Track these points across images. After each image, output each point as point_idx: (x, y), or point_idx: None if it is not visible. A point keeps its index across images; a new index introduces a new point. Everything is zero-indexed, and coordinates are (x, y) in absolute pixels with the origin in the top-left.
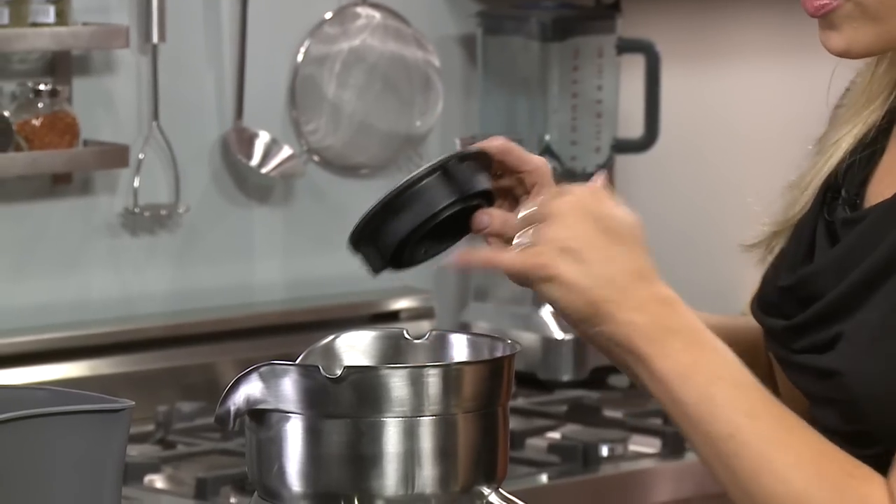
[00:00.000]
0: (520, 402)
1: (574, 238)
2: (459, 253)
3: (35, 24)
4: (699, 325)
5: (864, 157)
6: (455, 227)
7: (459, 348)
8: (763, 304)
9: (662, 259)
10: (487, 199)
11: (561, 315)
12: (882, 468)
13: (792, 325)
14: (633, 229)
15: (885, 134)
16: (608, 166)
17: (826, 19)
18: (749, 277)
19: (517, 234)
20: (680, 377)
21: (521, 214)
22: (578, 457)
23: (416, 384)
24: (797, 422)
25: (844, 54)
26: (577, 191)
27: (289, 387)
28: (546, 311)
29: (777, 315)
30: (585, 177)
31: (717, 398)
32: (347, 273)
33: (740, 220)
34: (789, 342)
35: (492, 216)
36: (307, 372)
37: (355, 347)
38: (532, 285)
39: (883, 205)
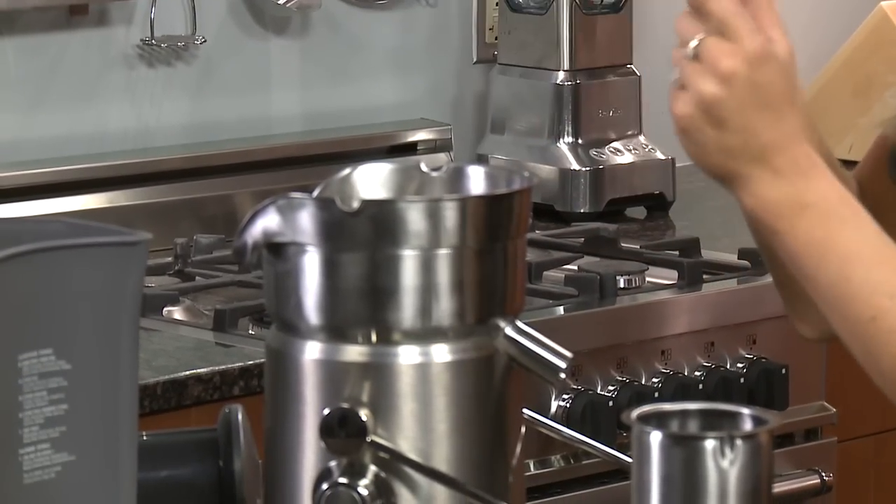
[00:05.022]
0: (537, 234)
1: (723, 102)
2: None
3: None
4: (837, 195)
5: None
6: None
7: (476, 181)
8: None
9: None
10: None
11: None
12: None
13: None
14: (787, 89)
15: None
16: None
17: None
18: None
19: (682, 58)
20: (813, 256)
21: (692, 45)
22: (595, 288)
23: (433, 217)
24: None
25: None
26: (750, 48)
27: (306, 220)
28: (562, 143)
29: None
30: (604, 7)
31: (855, 278)
32: (365, 105)
33: None
34: None
35: None
36: (324, 205)
37: (372, 180)
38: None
39: None
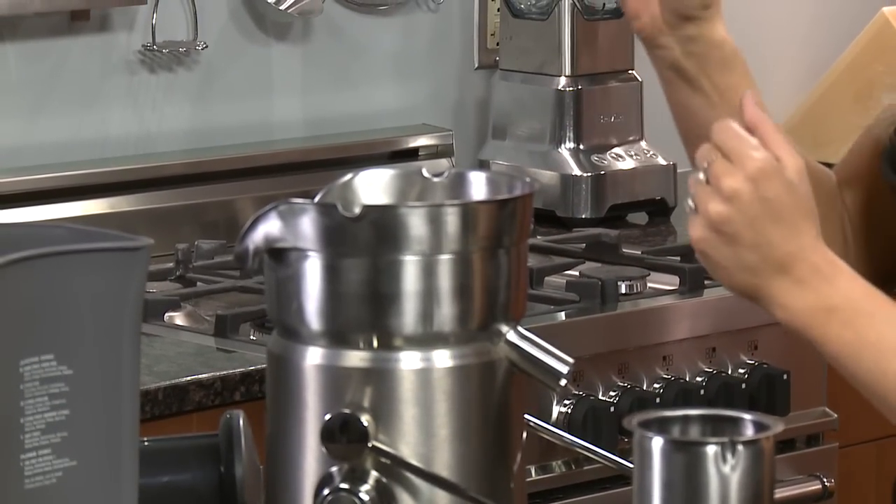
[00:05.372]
0: (538, 239)
1: (731, 220)
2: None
3: None
4: (861, 292)
5: None
6: None
7: (478, 186)
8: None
9: None
10: None
11: None
12: None
13: None
14: (798, 201)
15: None
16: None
17: None
18: None
19: (695, 182)
20: (848, 357)
21: (700, 176)
22: (597, 294)
23: (435, 222)
24: None
25: None
26: (751, 167)
27: (307, 225)
28: (564, 148)
29: None
30: (605, 13)
31: (890, 371)
32: (366, 111)
33: None
34: None
35: None
36: (326, 210)
37: (374, 185)
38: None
39: None
